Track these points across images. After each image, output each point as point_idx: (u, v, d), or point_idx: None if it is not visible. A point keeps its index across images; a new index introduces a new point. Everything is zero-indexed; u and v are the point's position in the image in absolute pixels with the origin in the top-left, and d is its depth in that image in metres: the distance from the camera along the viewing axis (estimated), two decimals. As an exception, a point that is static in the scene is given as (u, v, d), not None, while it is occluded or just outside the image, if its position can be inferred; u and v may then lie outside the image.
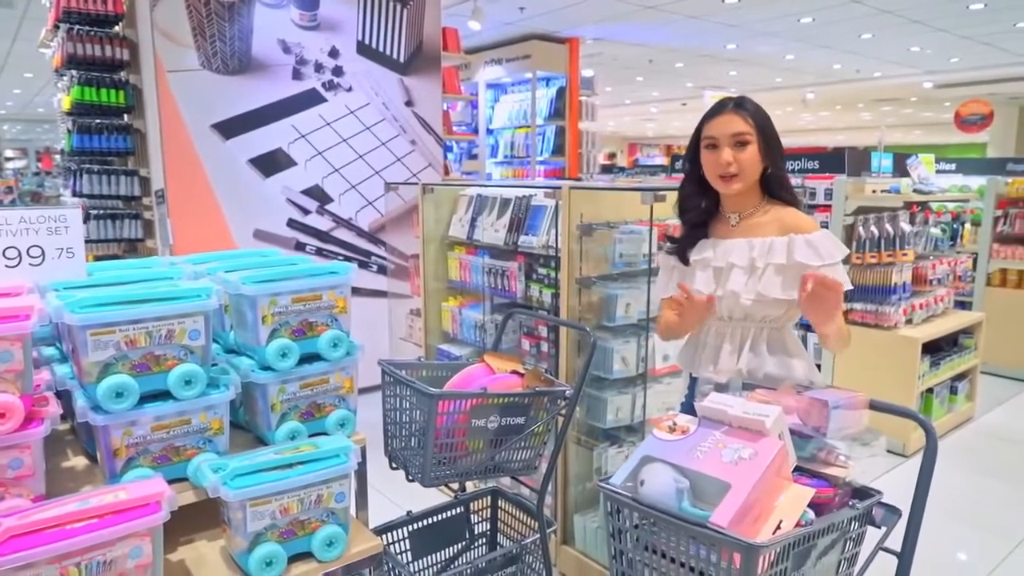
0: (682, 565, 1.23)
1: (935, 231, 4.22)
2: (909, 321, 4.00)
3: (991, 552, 2.94)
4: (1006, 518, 3.22)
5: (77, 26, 3.78)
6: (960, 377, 4.36)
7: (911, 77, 11.93)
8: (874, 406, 1.42)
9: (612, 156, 25.22)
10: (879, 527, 1.37)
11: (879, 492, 1.38)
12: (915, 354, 3.79)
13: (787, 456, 1.28)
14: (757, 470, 1.19)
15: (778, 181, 1.84)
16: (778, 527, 1.18)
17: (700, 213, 1.91)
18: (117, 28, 3.93)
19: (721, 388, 1.53)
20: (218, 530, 1.72)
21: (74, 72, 3.83)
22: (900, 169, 4.48)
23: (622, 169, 14.28)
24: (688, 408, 1.96)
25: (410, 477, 2.01)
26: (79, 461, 1.74)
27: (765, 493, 1.21)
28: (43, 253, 1.67)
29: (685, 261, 1.92)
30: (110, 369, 1.49)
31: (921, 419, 1.35)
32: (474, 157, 8.63)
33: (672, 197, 2.57)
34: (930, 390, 4.08)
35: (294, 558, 1.58)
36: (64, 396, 1.63)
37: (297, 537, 1.58)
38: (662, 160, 24.54)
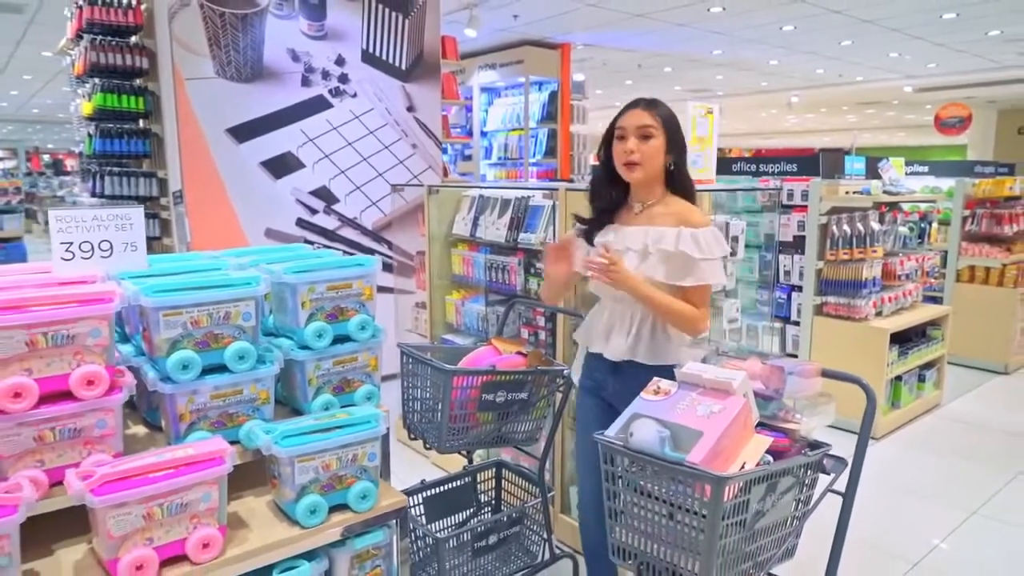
0: (664, 502, 1.50)
1: (903, 229, 4.53)
2: (879, 313, 4.29)
3: (947, 521, 3.23)
4: (964, 492, 3.52)
5: (100, 36, 4.00)
6: (928, 366, 4.67)
7: (892, 81, 12.29)
8: (826, 374, 1.70)
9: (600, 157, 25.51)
10: (828, 474, 1.64)
11: (828, 445, 1.65)
12: (884, 343, 4.09)
13: (750, 412, 1.55)
14: (724, 421, 1.46)
15: (680, 177, 2.05)
16: (742, 467, 1.45)
17: (609, 201, 2.11)
18: (137, 38, 4.16)
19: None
20: (262, 488, 1.97)
21: (96, 79, 4.06)
22: (872, 171, 4.78)
23: (612, 170, 14.55)
24: (585, 385, 2.18)
25: (427, 445, 2.27)
26: (140, 429, 1.98)
27: (731, 441, 1.48)
28: (111, 247, 1.92)
29: (591, 242, 2.14)
30: (177, 345, 1.74)
31: (863, 383, 1.62)
32: (468, 159, 8.89)
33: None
34: (899, 377, 4.38)
35: (333, 509, 1.84)
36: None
37: (336, 490, 1.84)
38: (651, 161, 24.84)
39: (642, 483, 1.51)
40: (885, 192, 4.45)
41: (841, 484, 1.62)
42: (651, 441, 1.49)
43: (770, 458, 1.52)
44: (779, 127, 22.44)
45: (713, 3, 6.93)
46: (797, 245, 4.45)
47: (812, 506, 1.61)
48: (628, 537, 1.56)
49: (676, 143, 2.00)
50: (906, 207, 4.83)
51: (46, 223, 14.59)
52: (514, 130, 8.38)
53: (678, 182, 2.05)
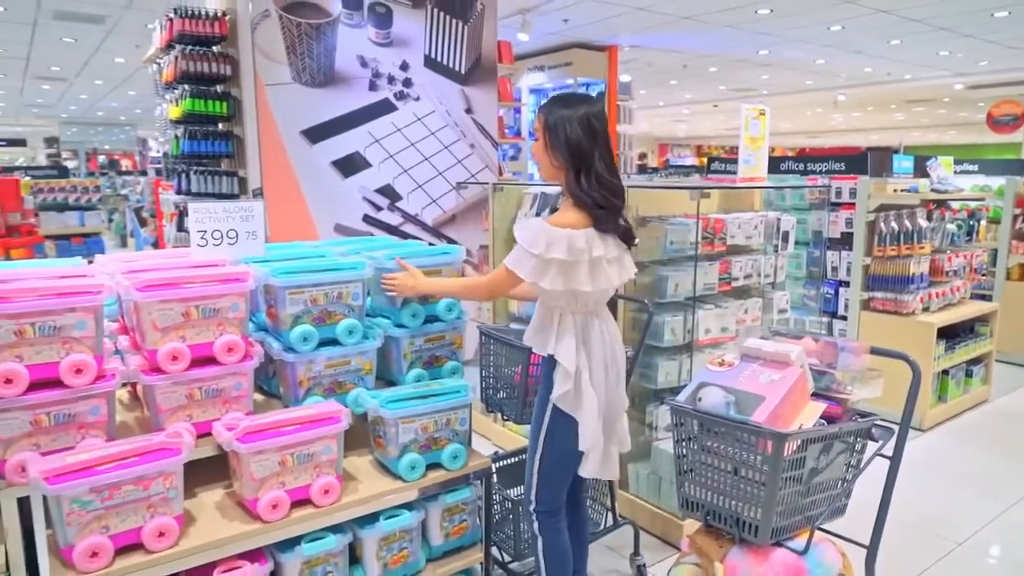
0: (725, 458, 1.70)
1: (951, 227, 4.61)
2: (926, 309, 4.39)
3: (987, 510, 3.34)
4: (1006, 484, 3.61)
5: (189, 46, 4.34)
6: (975, 362, 4.73)
7: (942, 79, 12.15)
8: (874, 351, 1.88)
9: (643, 156, 25.58)
10: (876, 441, 1.82)
11: (876, 415, 1.83)
12: (931, 338, 4.19)
13: (807, 381, 1.75)
14: (784, 387, 1.66)
15: (568, 182, 1.94)
16: (799, 428, 1.65)
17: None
18: (221, 47, 4.50)
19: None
20: (363, 449, 2.23)
21: (185, 86, 4.40)
22: (921, 170, 4.87)
23: (655, 169, 14.68)
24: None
25: (504, 418, 2.50)
26: (257, 396, 2.25)
27: (790, 405, 1.68)
28: (237, 235, 2.20)
29: None
30: (299, 320, 2.01)
31: (909, 359, 1.80)
32: (515, 159, 9.12)
33: (716, 195, 3.03)
34: (946, 372, 4.47)
35: (429, 467, 2.09)
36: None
37: (432, 451, 2.08)
38: (693, 160, 24.82)
39: (709, 443, 1.72)
40: (933, 190, 4.54)
41: (888, 450, 1.81)
42: (718, 405, 1.70)
43: (824, 422, 1.71)
44: (824, 126, 22.19)
45: (761, 5, 7.04)
46: (845, 241, 4.57)
47: (861, 468, 1.79)
48: (696, 491, 1.77)
49: (555, 144, 1.94)
50: (954, 205, 4.90)
51: (110, 220, 15.28)
52: (562, 130, 8.57)
53: (566, 183, 1.96)
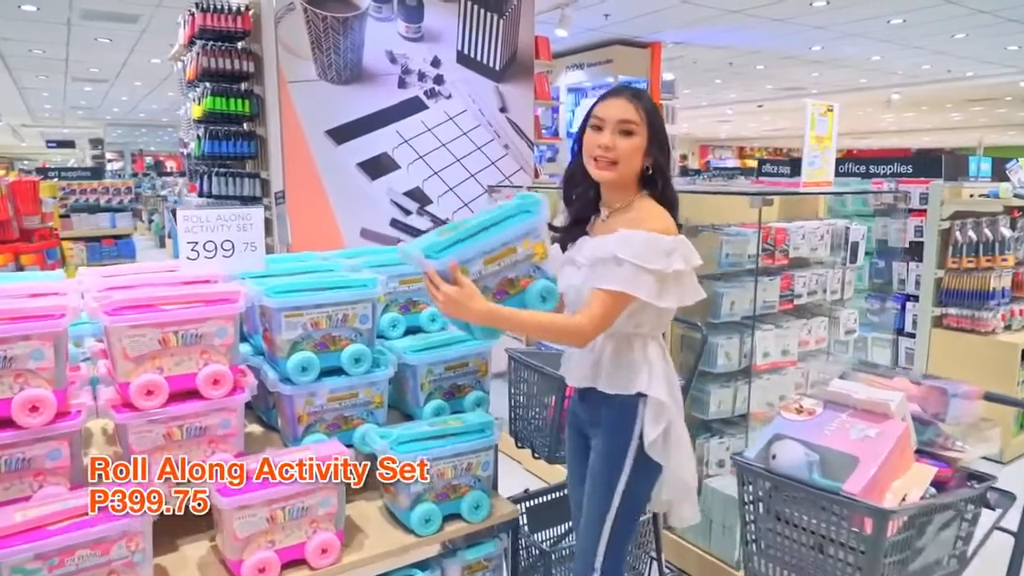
0: (806, 531, 1.38)
1: (1037, 236, 4.16)
2: (1008, 327, 3.96)
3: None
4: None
5: (211, 42, 4.14)
6: (1063, 386, 4.27)
7: (1006, 76, 11.46)
8: (989, 397, 1.53)
9: (684, 158, 25.01)
10: (994, 509, 1.48)
11: (994, 477, 1.48)
12: (1014, 360, 3.76)
13: (910, 437, 1.41)
14: (885, 447, 1.33)
15: (662, 182, 1.68)
16: (904, 499, 1.32)
17: (583, 206, 1.76)
18: (244, 43, 4.29)
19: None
20: (373, 492, 1.95)
21: (207, 84, 4.20)
22: (1000, 174, 4.42)
23: (697, 171, 14.23)
24: (569, 409, 1.91)
25: (536, 454, 2.20)
26: (255, 428, 1.99)
27: (891, 468, 1.35)
28: (233, 247, 1.94)
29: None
30: (297, 346, 1.74)
31: (1037, 410, 1.45)
32: (552, 160, 8.80)
33: (778, 202, 2.68)
34: (1030, 397, 4.03)
35: (447, 518, 1.80)
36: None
37: (450, 500, 1.79)
38: (734, 162, 24.15)
39: (786, 510, 1.40)
40: (1016, 196, 4.10)
41: (1010, 522, 1.46)
42: (797, 465, 1.38)
43: (933, 490, 1.37)
44: (873, 127, 21.35)
45: (816, -4, 6.62)
46: (913, 252, 4.16)
47: (978, 546, 1.45)
48: (768, 568, 1.44)
49: (659, 143, 1.65)
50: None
51: (150, 221, 15.41)
52: (601, 131, 8.24)
53: (658, 188, 1.68)
